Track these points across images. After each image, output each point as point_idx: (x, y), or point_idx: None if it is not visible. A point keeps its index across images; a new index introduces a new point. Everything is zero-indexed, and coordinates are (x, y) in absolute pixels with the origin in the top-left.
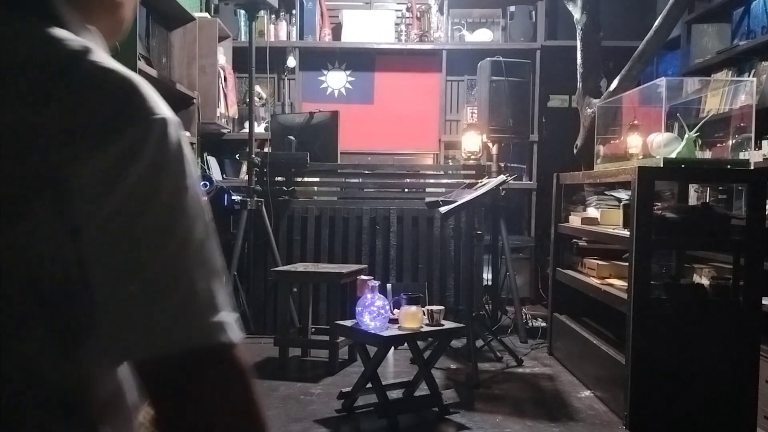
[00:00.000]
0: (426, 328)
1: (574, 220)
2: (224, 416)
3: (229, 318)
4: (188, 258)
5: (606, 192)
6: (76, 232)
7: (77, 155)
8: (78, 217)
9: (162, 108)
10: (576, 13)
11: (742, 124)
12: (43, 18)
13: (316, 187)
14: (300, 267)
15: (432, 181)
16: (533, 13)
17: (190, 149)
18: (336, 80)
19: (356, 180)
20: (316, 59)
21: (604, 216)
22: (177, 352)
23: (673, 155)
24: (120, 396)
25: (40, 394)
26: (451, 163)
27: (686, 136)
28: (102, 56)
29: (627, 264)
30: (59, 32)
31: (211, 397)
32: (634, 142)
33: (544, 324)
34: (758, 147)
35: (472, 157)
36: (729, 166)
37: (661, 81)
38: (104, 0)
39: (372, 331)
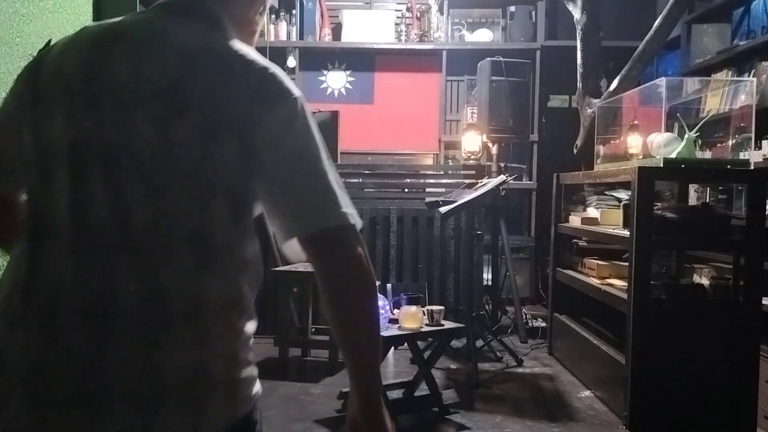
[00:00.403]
0: (426, 328)
1: (574, 220)
2: (352, 266)
3: (353, 211)
4: (328, 175)
5: (606, 192)
6: (249, 154)
7: (257, 113)
8: (254, 145)
9: (297, 89)
10: (576, 13)
11: (742, 124)
12: (228, 36)
13: None
14: (300, 267)
15: (432, 181)
16: (533, 13)
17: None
18: (336, 80)
19: (356, 180)
20: (316, 59)
21: (604, 216)
22: (325, 228)
23: (673, 155)
24: (256, 260)
25: (215, 247)
26: (451, 163)
27: (686, 136)
28: (263, 59)
29: (627, 264)
30: (239, 44)
31: (345, 255)
32: (634, 142)
33: (544, 324)
34: (758, 147)
35: (472, 157)
36: (729, 166)
37: (661, 81)
38: (248, 29)
39: None
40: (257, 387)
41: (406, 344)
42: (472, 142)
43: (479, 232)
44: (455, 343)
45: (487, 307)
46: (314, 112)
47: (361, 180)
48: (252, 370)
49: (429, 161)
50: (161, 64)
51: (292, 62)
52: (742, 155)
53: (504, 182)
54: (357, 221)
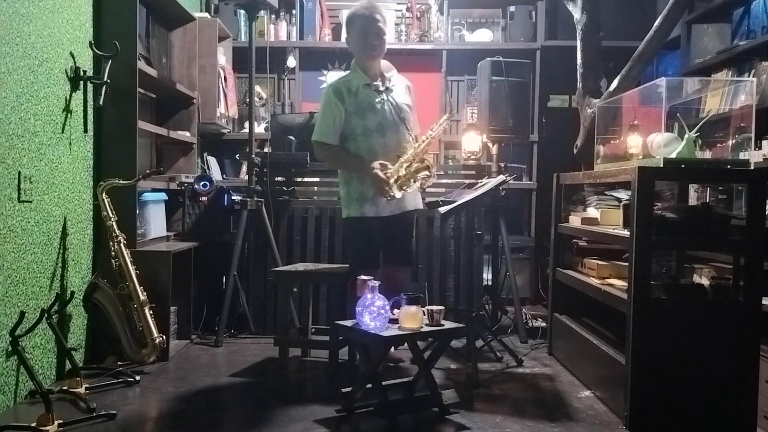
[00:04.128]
0: (426, 328)
1: (574, 220)
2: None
3: (324, 134)
4: (321, 120)
5: (606, 192)
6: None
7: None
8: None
9: (330, 85)
10: (576, 13)
11: (742, 124)
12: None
13: (316, 187)
14: (300, 267)
15: (432, 181)
16: (533, 13)
17: (332, 93)
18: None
19: None
20: (316, 59)
21: (604, 216)
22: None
23: (673, 155)
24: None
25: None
26: (451, 163)
27: (686, 136)
28: (337, 78)
29: (627, 264)
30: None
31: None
32: (634, 142)
33: (544, 324)
34: (758, 147)
35: (472, 157)
36: (729, 166)
37: (661, 81)
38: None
39: (372, 331)
40: (368, 210)
41: (406, 344)
42: (472, 142)
43: (479, 232)
44: (455, 343)
45: (487, 307)
46: (314, 112)
47: None
48: (362, 203)
49: None
50: None
51: (292, 62)
52: (742, 155)
53: (504, 182)
54: (321, 138)
